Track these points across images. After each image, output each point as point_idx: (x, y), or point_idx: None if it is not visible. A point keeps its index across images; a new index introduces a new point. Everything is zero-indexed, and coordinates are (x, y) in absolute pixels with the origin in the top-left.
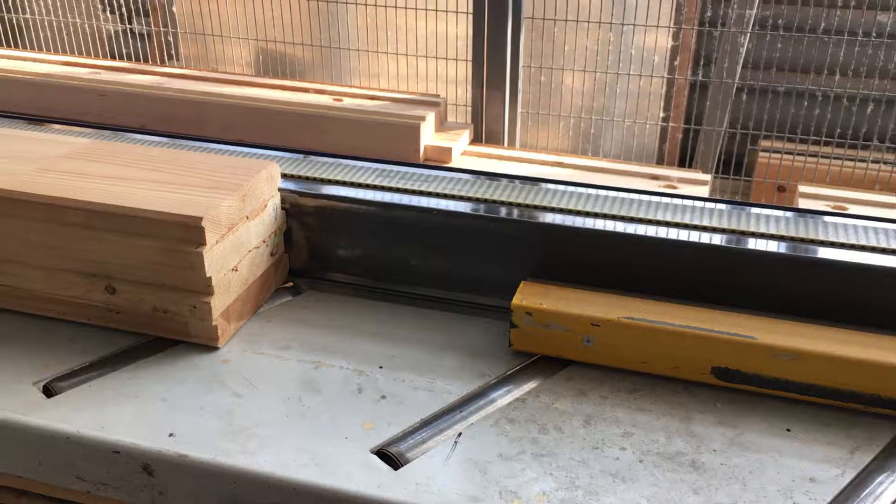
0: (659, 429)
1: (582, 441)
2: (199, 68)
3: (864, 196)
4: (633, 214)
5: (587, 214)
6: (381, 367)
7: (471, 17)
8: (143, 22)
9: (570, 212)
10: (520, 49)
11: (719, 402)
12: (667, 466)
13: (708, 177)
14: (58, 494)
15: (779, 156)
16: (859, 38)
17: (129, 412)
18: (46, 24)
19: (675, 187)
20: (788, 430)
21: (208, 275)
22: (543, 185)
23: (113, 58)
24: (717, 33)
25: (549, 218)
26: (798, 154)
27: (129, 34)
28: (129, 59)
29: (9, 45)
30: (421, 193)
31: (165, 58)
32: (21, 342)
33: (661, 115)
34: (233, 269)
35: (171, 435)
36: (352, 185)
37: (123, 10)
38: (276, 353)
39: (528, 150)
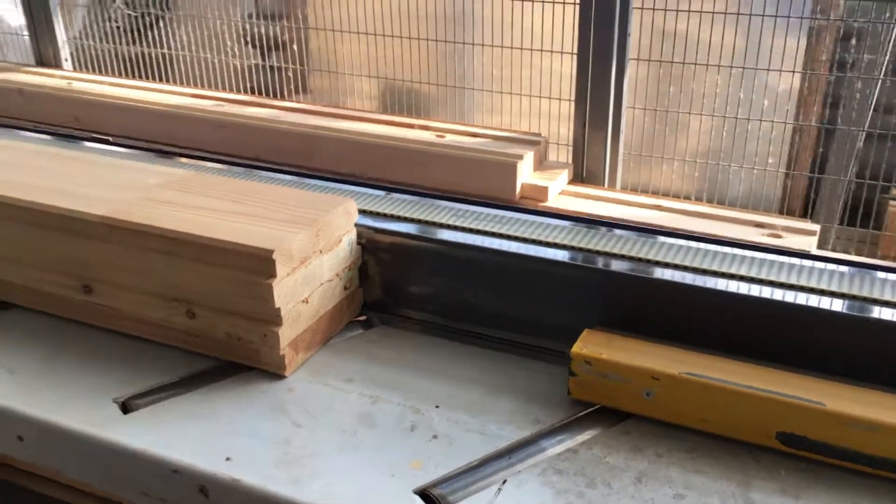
0: (714, 493)
1: (630, 499)
2: (319, 103)
3: None
4: (707, 267)
5: (657, 264)
6: (437, 407)
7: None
8: (279, 57)
9: (640, 260)
10: (623, 89)
11: (783, 470)
12: None
13: (816, 227)
14: None
15: None
16: None
17: (194, 433)
18: (187, 59)
19: (779, 236)
20: None
21: (277, 306)
22: (615, 231)
23: (252, 92)
24: (846, 78)
25: (619, 266)
26: None
27: (265, 68)
28: (263, 92)
29: (149, 78)
30: (495, 235)
31: (298, 90)
32: (108, 359)
33: (785, 161)
34: (303, 301)
35: (227, 459)
36: (427, 223)
37: (262, 44)
38: (339, 385)
39: (627, 192)
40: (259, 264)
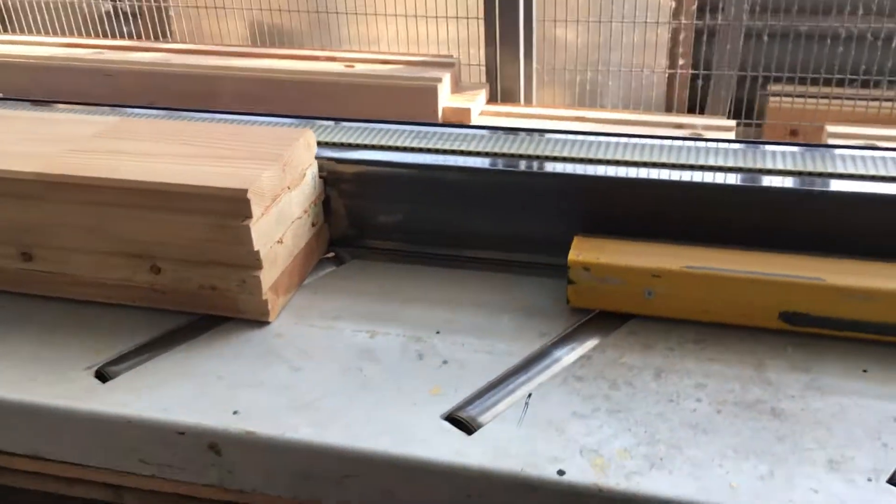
0: (732, 378)
1: (655, 395)
2: (202, 43)
3: (892, 132)
4: (680, 161)
5: (632, 164)
6: (437, 332)
7: None
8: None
9: (614, 162)
10: (532, 4)
11: (790, 347)
12: (746, 415)
13: (732, 123)
14: (118, 480)
15: (790, 99)
16: None
17: (189, 392)
18: (35, 5)
19: (700, 135)
20: (865, 371)
21: (256, 248)
22: (585, 137)
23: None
24: None
25: (594, 170)
26: (809, 97)
27: (119, 14)
28: (122, 38)
29: None
30: (459, 153)
31: (159, 35)
32: (68, 329)
33: (666, 63)
34: (278, 242)
35: (235, 413)
36: (389, 148)
37: None
38: (327, 324)
39: (546, 106)
40: (233, 206)
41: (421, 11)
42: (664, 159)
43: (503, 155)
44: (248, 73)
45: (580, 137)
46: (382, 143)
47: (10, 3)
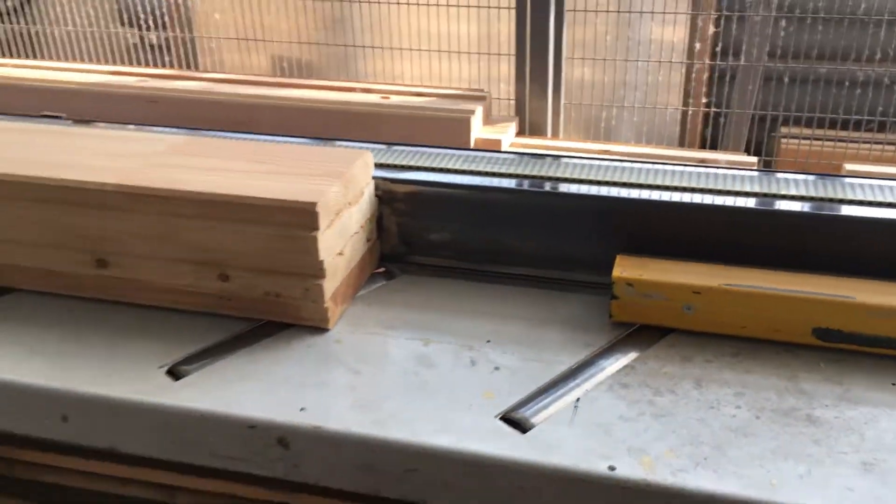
0: (768, 388)
1: (697, 402)
2: (247, 73)
3: None
4: (717, 187)
5: (669, 188)
6: (488, 342)
7: (511, 11)
8: (161, 35)
9: (652, 186)
10: (563, 43)
11: (822, 362)
12: (783, 421)
13: (754, 159)
14: (172, 481)
15: (807, 142)
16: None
17: (257, 390)
18: (65, 36)
19: None
20: (894, 385)
21: (321, 258)
22: (624, 164)
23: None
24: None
25: (634, 193)
26: (819, 139)
27: (146, 45)
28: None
29: (28, 58)
30: (505, 175)
31: (188, 67)
32: (140, 331)
33: (680, 101)
34: (339, 254)
35: (302, 409)
36: (439, 170)
37: (141, 21)
38: (384, 332)
39: (572, 139)
40: (302, 218)
41: (444, 47)
42: (700, 185)
43: (547, 178)
44: (288, 102)
45: (618, 164)
46: (433, 165)
47: (40, 34)
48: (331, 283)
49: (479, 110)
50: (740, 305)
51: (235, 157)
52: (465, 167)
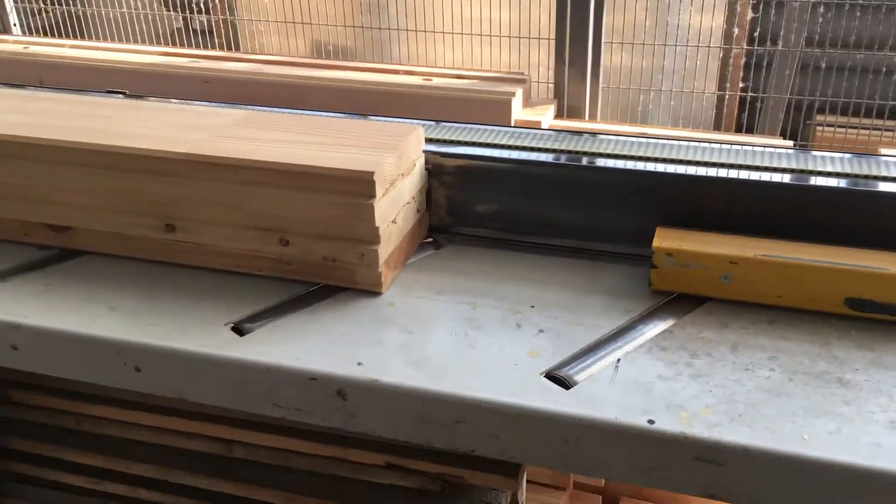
0: (801, 353)
1: (732, 364)
2: (294, 55)
3: None
4: (756, 163)
5: (706, 164)
6: (532, 307)
7: None
8: (204, 19)
9: (691, 162)
10: (602, 28)
11: (854, 330)
12: (815, 384)
13: (790, 143)
14: (230, 435)
15: (832, 129)
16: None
17: (317, 346)
18: (112, 17)
19: None
20: None
21: (377, 224)
22: (662, 141)
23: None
24: (776, 6)
25: (674, 168)
26: (854, 127)
27: (190, 29)
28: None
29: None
30: (549, 151)
31: (232, 49)
32: (206, 292)
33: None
34: (392, 222)
35: (359, 364)
36: (487, 145)
37: (185, 4)
38: (433, 296)
39: (610, 122)
40: (360, 187)
41: (485, 31)
42: (738, 161)
43: (588, 153)
44: (334, 83)
45: (656, 141)
46: (479, 140)
47: (86, 15)
48: (385, 249)
49: (519, 92)
50: (776, 275)
51: (295, 131)
52: (510, 142)
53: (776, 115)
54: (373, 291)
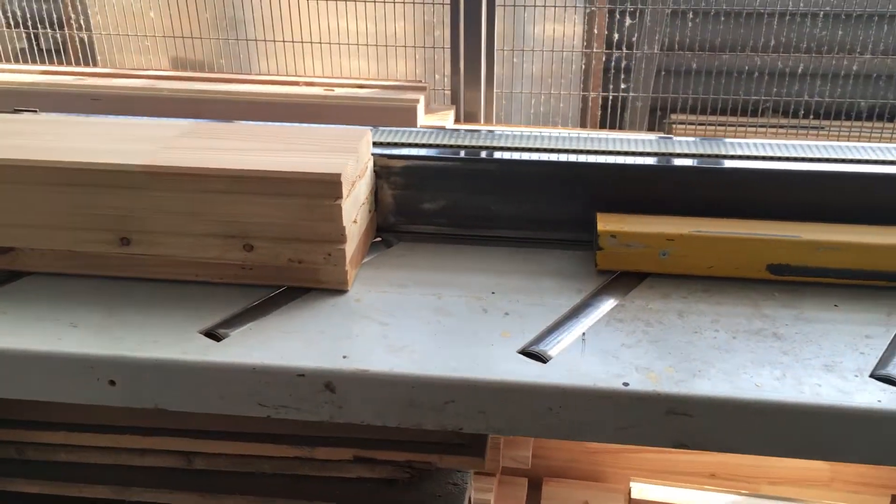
0: (738, 315)
1: (682, 329)
2: (189, 69)
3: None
4: (675, 150)
5: (628, 154)
6: (493, 293)
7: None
8: (55, 33)
9: (614, 153)
10: (494, 37)
11: (776, 292)
12: (755, 339)
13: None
14: (189, 447)
15: (683, 126)
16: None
17: (298, 344)
18: None
19: None
20: (836, 306)
21: (343, 224)
22: (590, 135)
23: None
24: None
25: (604, 159)
26: (708, 124)
27: (34, 49)
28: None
29: None
30: (490, 148)
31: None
32: (169, 302)
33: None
34: (353, 222)
35: (344, 357)
36: (429, 146)
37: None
38: (398, 290)
39: (508, 125)
40: (327, 188)
41: (348, 41)
42: (658, 150)
43: (526, 149)
44: (235, 95)
45: (578, 134)
46: (422, 141)
47: None
48: (349, 248)
49: (422, 99)
50: (707, 249)
51: (248, 139)
52: (451, 142)
53: (637, 114)
54: (339, 290)
